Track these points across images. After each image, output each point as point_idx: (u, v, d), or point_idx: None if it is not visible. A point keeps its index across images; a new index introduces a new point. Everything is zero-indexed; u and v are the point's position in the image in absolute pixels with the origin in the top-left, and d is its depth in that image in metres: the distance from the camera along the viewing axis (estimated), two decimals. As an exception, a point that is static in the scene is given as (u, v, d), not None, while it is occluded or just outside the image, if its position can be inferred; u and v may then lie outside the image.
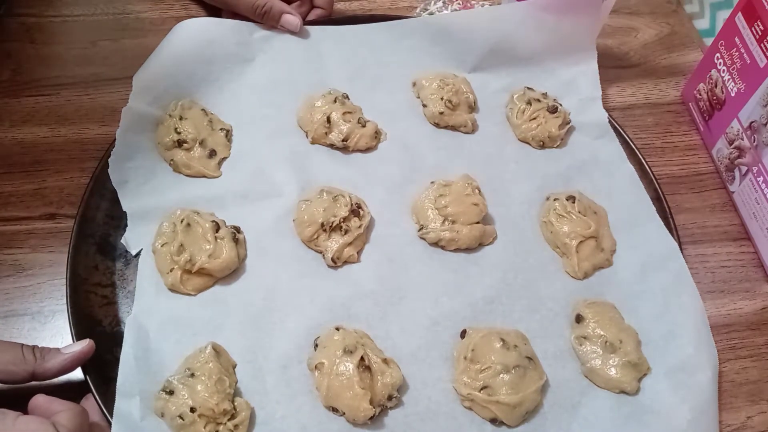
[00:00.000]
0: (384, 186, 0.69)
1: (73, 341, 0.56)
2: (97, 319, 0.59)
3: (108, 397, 0.54)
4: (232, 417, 0.53)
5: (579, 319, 0.61)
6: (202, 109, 0.71)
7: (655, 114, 0.80)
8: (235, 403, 0.54)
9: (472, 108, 0.76)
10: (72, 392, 0.57)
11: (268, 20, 0.75)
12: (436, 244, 0.65)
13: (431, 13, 0.86)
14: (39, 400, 0.49)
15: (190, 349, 0.57)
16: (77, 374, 0.56)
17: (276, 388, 0.57)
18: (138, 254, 0.62)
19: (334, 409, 0.55)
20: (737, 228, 0.72)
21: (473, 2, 0.87)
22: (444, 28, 0.78)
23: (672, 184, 0.74)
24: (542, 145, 0.74)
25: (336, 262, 0.63)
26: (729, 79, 0.71)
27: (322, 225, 0.63)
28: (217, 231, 0.62)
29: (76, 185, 0.68)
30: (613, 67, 0.83)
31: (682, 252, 0.65)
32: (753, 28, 0.67)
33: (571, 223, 0.66)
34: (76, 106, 0.74)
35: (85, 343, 0.54)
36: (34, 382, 0.52)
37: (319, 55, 0.78)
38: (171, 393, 0.54)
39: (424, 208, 0.67)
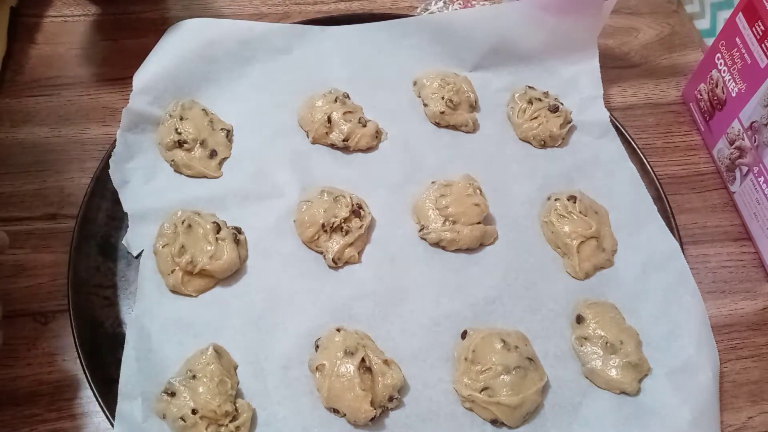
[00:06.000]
0: (385, 186, 0.69)
1: (75, 343, 0.56)
2: (98, 320, 0.59)
3: (110, 399, 0.54)
4: (234, 419, 0.53)
5: (580, 319, 0.61)
6: (203, 109, 0.71)
7: (656, 114, 0.80)
8: (237, 405, 0.54)
9: (473, 107, 0.76)
10: (72, 391, 0.57)
11: None
12: (437, 244, 0.65)
13: (432, 13, 0.85)
14: None
15: (191, 351, 0.57)
16: (78, 374, 0.56)
17: (277, 390, 0.57)
18: (139, 255, 0.62)
19: (335, 411, 0.55)
20: (738, 228, 0.71)
21: (474, 2, 0.87)
22: (445, 27, 0.78)
23: (673, 185, 0.74)
24: (543, 145, 0.74)
25: (337, 263, 0.63)
26: (730, 79, 0.71)
27: (323, 226, 0.63)
28: (218, 232, 0.62)
29: (77, 185, 0.68)
30: (614, 67, 0.82)
31: (683, 252, 0.65)
32: (754, 28, 0.67)
33: (572, 223, 0.66)
34: (76, 107, 0.74)
35: None
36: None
37: (319, 54, 0.78)
38: (173, 395, 0.54)
39: (425, 208, 0.67)
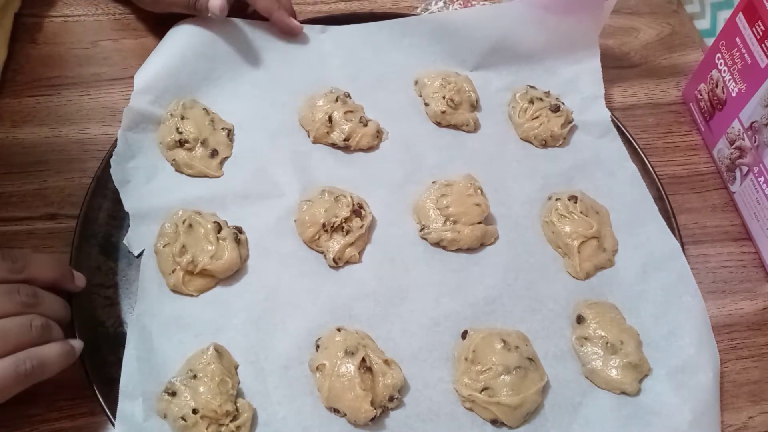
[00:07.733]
0: (385, 186, 0.69)
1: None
2: (99, 320, 0.59)
3: (111, 399, 0.54)
4: (234, 418, 0.53)
5: (580, 319, 0.62)
6: (204, 109, 0.71)
7: (656, 114, 0.80)
8: (238, 405, 0.54)
9: (474, 107, 0.76)
10: (72, 391, 0.57)
11: (201, 10, 0.71)
12: (437, 244, 0.65)
13: (432, 13, 0.85)
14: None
15: (192, 350, 0.57)
16: (78, 374, 0.56)
17: (277, 389, 0.57)
18: (140, 255, 0.62)
19: (336, 410, 0.55)
20: (738, 228, 0.72)
21: (474, 1, 0.86)
22: (445, 27, 0.78)
23: (673, 185, 0.74)
24: (544, 145, 0.74)
25: (337, 263, 0.63)
26: (730, 79, 0.71)
27: (324, 225, 0.63)
28: (219, 232, 0.62)
29: (77, 185, 0.68)
30: (614, 67, 0.82)
31: (683, 252, 0.65)
32: (754, 28, 0.67)
33: (573, 223, 0.66)
34: (77, 106, 0.74)
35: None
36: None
37: (320, 54, 0.78)
38: (173, 394, 0.54)
39: (425, 208, 0.67)
